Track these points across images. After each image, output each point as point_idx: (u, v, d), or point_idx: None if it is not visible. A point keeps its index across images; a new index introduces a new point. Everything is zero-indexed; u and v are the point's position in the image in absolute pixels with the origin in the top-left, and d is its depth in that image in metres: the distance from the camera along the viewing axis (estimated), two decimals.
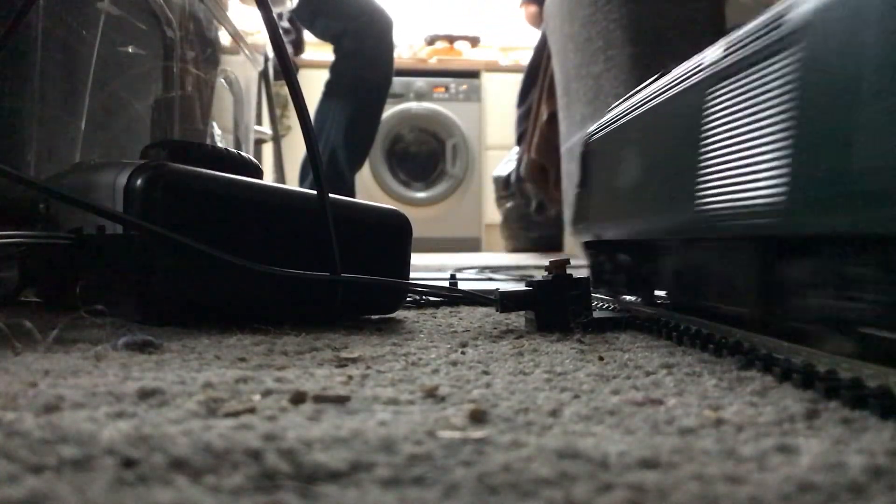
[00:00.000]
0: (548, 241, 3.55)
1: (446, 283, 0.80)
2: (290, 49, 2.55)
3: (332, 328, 0.53)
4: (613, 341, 0.48)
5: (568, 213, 2.69)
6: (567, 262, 0.54)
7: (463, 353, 0.44)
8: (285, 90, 1.21)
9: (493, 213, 4.01)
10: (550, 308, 0.53)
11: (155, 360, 0.39)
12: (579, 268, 1.85)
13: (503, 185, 3.68)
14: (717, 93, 0.46)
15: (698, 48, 0.52)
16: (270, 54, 1.85)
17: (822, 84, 0.35)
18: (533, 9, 3.51)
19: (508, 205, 3.68)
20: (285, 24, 2.50)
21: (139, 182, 0.50)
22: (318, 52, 3.42)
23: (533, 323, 0.54)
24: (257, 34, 1.60)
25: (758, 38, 0.42)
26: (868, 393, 0.30)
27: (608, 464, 0.22)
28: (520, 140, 3.29)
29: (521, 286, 0.55)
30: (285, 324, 0.52)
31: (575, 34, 2.35)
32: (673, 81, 0.55)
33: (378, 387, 0.34)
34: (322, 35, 2.50)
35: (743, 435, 0.26)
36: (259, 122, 1.94)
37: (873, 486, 0.20)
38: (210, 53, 1.23)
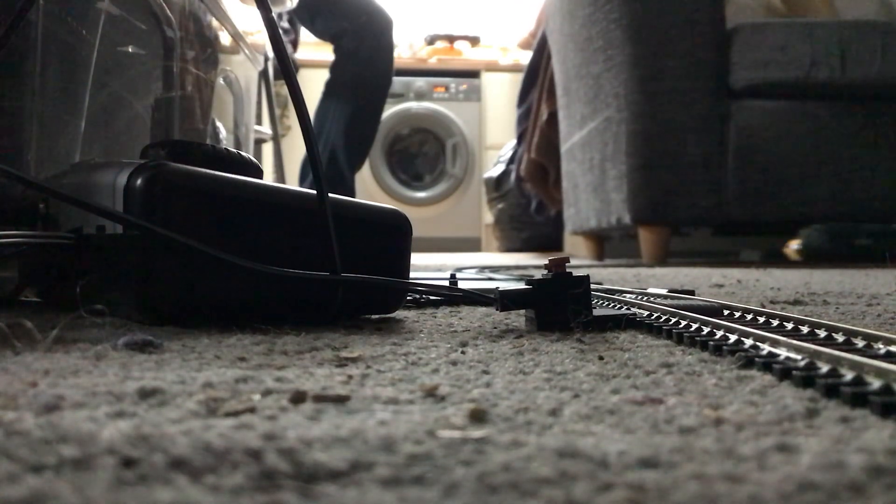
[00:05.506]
0: (539, 241, 3.56)
1: (446, 283, 0.80)
2: (290, 49, 2.55)
3: (332, 328, 0.53)
4: (613, 340, 0.48)
5: (568, 213, 2.69)
6: (567, 260, 0.54)
7: (463, 352, 0.44)
8: (285, 90, 1.21)
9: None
10: (550, 307, 0.53)
11: (155, 360, 0.39)
12: (579, 266, 1.85)
13: (494, 186, 3.69)
14: None
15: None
16: (270, 54, 1.85)
17: None
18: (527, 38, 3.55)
19: (499, 206, 3.69)
20: (285, 24, 2.50)
21: (139, 182, 0.50)
22: (318, 52, 3.42)
23: (533, 322, 0.54)
24: (257, 34, 1.60)
25: None
26: (868, 391, 0.30)
27: (608, 463, 0.22)
28: (520, 140, 3.29)
29: (520, 285, 0.55)
30: (285, 324, 0.52)
31: (575, 34, 2.35)
32: None
33: (378, 386, 0.34)
34: (322, 35, 2.51)
35: (743, 434, 0.26)
36: (259, 122, 1.94)
37: (873, 485, 0.20)
38: (210, 53, 1.23)
